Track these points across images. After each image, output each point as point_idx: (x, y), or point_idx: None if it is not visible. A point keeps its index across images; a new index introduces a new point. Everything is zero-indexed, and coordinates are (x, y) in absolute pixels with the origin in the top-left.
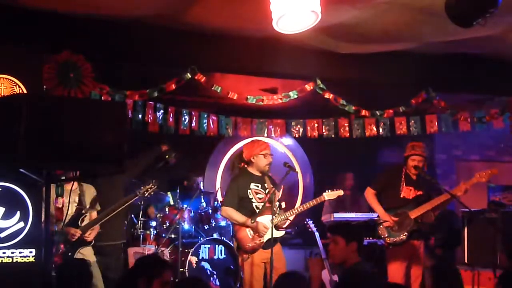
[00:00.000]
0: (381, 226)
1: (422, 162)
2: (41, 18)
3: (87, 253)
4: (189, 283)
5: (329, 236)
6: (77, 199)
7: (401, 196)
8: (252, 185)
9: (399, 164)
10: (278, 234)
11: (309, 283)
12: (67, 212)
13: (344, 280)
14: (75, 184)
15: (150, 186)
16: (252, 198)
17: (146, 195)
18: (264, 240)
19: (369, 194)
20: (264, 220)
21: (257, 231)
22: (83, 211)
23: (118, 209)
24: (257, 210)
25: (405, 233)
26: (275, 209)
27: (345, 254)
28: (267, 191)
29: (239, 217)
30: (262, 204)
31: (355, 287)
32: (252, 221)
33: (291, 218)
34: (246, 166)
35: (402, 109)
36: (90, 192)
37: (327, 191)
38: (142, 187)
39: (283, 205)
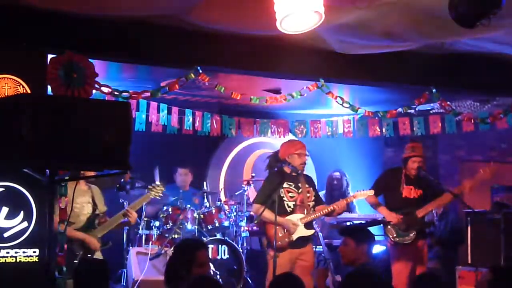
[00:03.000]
0: (389, 227)
1: (421, 162)
2: (45, 18)
3: (97, 255)
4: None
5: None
6: (90, 200)
7: (403, 196)
8: (285, 184)
9: (397, 166)
10: (308, 232)
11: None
12: (70, 212)
13: (346, 279)
14: (85, 185)
15: (159, 187)
16: (283, 197)
17: (157, 196)
18: (294, 238)
19: (370, 197)
20: (294, 218)
21: (287, 228)
22: (97, 212)
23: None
24: (289, 209)
25: (414, 232)
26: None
27: (354, 256)
28: (300, 190)
29: (269, 214)
30: (294, 203)
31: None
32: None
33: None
34: (281, 165)
35: (406, 110)
36: (98, 192)
37: (358, 191)
38: (153, 189)
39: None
